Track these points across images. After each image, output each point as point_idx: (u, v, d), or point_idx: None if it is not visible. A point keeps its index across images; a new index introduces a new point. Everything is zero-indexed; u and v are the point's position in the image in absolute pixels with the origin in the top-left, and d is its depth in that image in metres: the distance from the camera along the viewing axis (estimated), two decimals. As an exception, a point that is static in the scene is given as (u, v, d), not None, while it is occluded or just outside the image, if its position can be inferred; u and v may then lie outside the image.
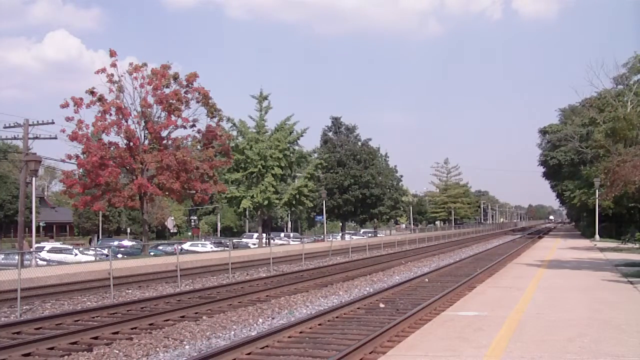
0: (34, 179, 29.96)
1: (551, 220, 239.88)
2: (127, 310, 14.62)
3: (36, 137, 32.83)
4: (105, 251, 36.10)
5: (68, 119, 35.47)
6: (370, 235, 71.24)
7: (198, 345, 10.80)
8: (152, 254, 38.88)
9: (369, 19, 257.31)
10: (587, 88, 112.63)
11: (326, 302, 16.12)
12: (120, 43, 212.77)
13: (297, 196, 47.85)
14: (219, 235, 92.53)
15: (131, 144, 36.42)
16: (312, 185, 49.60)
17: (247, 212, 59.48)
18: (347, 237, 64.05)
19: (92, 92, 36.11)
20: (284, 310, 14.66)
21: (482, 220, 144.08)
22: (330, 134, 72.63)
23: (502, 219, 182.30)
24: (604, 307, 11.22)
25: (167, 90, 37.17)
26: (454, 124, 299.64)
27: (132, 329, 12.21)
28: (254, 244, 50.83)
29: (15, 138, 36.80)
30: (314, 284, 20.33)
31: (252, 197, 45.63)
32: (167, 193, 38.80)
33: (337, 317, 13.13)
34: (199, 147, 39.49)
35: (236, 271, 24.64)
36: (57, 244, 50.27)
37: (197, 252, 40.12)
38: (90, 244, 66.76)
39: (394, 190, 77.93)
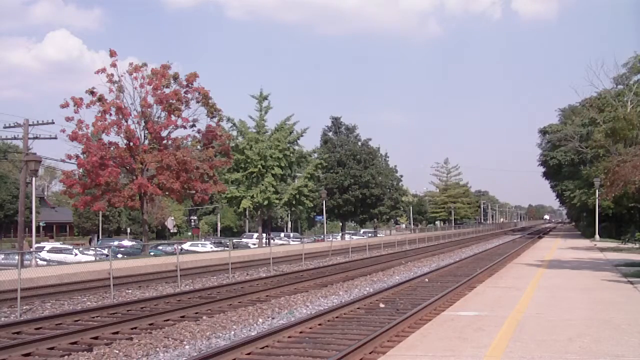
0: (34, 179, 29.95)
1: (547, 219, 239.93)
2: (127, 310, 14.62)
3: (36, 137, 32.84)
4: (105, 251, 36.10)
5: (68, 119, 35.49)
6: (370, 235, 71.23)
7: (198, 345, 10.80)
8: (152, 254, 38.87)
9: (369, 19, 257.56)
10: (587, 88, 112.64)
11: (326, 302, 16.11)
12: (121, 43, 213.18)
13: (297, 196, 47.83)
14: (219, 235, 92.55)
15: (131, 144, 36.41)
16: (312, 185, 49.58)
17: (247, 212, 59.55)
18: (347, 237, 64.08)
19: (92, 92, 36.11)
20: (284, 310, 14.65)
21: (482, 220, 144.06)
22: (330, 134, 72.57)
23: (502, 219, 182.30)
24: (604, 307, 11.22)
25: (167, 90, 37.15)
26: (454, 124, 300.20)
27: (132, 329, 12.21)
28: (254, 244, 50.82)
29: (15, 138, 36.85)
30: (314, 284, 20.33)
31: (252, 197, 45.62)
32: (167, 193, 38.79)
33: (337, 317, 13.13)
34: (199, 147, 39.47)
35: (236, 271, 24.63)
36: (57, 244, 50.29)
37: (197, 252, 40.11)
38: (90, 244, 66.74)
39: (394, 190, 77.89)
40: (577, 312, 10.70)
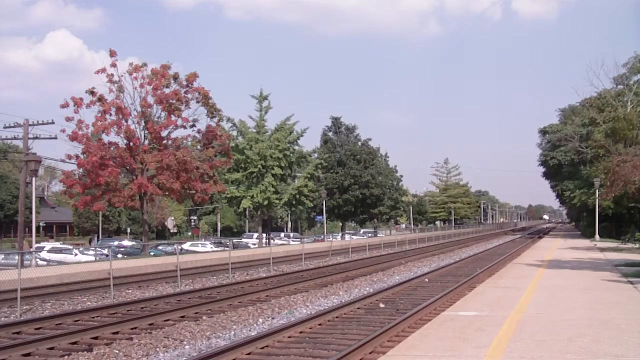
0: (34, 179, 29.95)
1: (546, 219, 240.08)
2: (127, 310, 14.62)
3: (36, 137, 32.84)
4: (105, 251, 36.11)
5: (68, 119, 35.51)
6: (370, 235, 71.22)
7: (198, 345, 10.80)
8: (152, 254, 38.88)
9: (369, 19, 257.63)
10: (587, 88, 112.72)
11: (326, 302, 16.11)
12: (122, 43, 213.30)
13: (297, 196, 47.83)
14: (219, 235, 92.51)
15: (131, 144, 36.42)
16: (312, 185, 49.57)
17: (247, 212, 59.49)
18: (347, 237, 64.06)
19: (92, 92, 36.12)
20: (284, 310, 14.65)
21: (482, 220, 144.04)
22: (330, 134, 72.59)
23: (502, 219, 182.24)
24: (604, 307, 11.22)
25: (167, 90, 37.16)
26: (454, 124, 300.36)
27: (132, 329, 12.21)
28: (254, 244, 50.81)
29: (15, 138, 36.85)
30: (314, 284, 20.33)
31: (252, 197, 45.62)
32: (167, 193, 38.80)
33: (337, 317, 13.13)
34: (199, 147, 39.49)
35: (236, 271, 24.63)
36: (57, 244, 50.31)
37: (197, 252, 40.13)
38: (90, 244, 66.77)
39: (394, 190, 77.92)
40: (577, 312, 10.70)
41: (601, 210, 46.73)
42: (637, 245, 32.14)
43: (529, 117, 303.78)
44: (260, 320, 13.28)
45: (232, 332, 11.91)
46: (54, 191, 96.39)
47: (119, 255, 37.73)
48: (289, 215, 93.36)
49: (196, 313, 14.02)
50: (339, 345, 10.13)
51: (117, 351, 10.10)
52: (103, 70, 36.39)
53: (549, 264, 22.12)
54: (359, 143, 71.74)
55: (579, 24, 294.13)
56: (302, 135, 48.63)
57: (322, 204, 58.31)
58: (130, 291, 18.80)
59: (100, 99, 36.06)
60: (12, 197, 70.22)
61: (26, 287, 16.59)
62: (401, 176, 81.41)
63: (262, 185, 45.55)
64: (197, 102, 38.34)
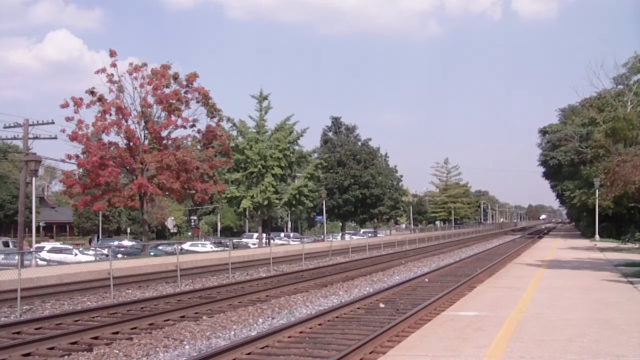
0: (34, 179, 29.95)
1: (544, 219, 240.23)
2: (127, 310, 14.62)
3: (36, 137, 32.78)
4: (105, 251, 36.08)
5: (68, 119, 35.49)
6: (370, 235, 71.21)
7: (198, 345, 10.80)
8: (152, 254, 38.86)
9: (369, 19, 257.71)
10: (587, 88, 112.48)
11: (326, 302, 16.11)
12: (122, 43, 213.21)
13: (297, 196, 47.83)
14: (219, 235, 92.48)
15: (131, 144, 36.41)
16: (312, 185, 49.57)
17: (247, 212, 59.47)
18: (347, 237, 64.08)
19: (92, 92, 36.11)
20: (284, 310, 14.66)
21: (482, 220, 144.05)
22: (330, 134, 72.59)
23: (502, 219, 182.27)
24: (604, 307, 11.22)
25: (167, 90, 37.15)
26: (454, 124, 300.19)
27: (132, 329, 12.22)
28: (254, 244, 50.80)
29: (15, 138, 36.86)
30: (314, 284, 20.33)
31: (252, 197, 45.62)
32: (167, 193, 38.80)
33: (337, 317, 13.13)
34: (199, 147, 39.48)
35: (236, 271, 24.64)
36: (57, 244, 50.24)
37: (197, 252, 40.11)
38: (90, 244, 66.73)
39: (394, 190, 77.87)
40: (577, 312, 10.70)
41: (601, 210, 46.71)
42: (637, 245, 32.15)
43: (529, 117, 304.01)
44: (260, 320, 13.29)
45: (232, 332, 11.91)
46: (54, 191, 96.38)
47: (119, 255, 37.70)
48: (289, 215, 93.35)
49: (196, 313, 14.02)
50: (339, 345, 10.13)
51: (117, 351, 10.10)
52: (103, 70, 36.40)
53: (549, 264, 22.12)
54: (359, 143, 71.74)
55: (579, 23, 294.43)
56: (302, 135, 48.68)
57: (322, 204, 58.30)
58: (130, 291, 18.81)
59: (100, 99, 36.05)
60: (12, 197, 70.20)
61: (26, 287, 16.59)
62: (401, 176, 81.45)
63: (262, 185, 45.55)
64: (197, 102, 38.34)
